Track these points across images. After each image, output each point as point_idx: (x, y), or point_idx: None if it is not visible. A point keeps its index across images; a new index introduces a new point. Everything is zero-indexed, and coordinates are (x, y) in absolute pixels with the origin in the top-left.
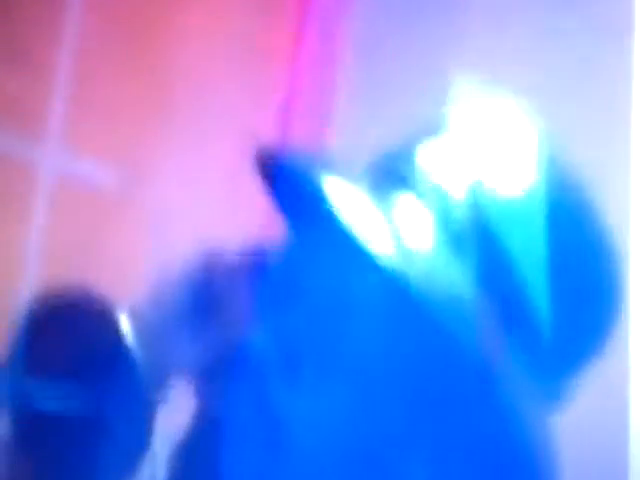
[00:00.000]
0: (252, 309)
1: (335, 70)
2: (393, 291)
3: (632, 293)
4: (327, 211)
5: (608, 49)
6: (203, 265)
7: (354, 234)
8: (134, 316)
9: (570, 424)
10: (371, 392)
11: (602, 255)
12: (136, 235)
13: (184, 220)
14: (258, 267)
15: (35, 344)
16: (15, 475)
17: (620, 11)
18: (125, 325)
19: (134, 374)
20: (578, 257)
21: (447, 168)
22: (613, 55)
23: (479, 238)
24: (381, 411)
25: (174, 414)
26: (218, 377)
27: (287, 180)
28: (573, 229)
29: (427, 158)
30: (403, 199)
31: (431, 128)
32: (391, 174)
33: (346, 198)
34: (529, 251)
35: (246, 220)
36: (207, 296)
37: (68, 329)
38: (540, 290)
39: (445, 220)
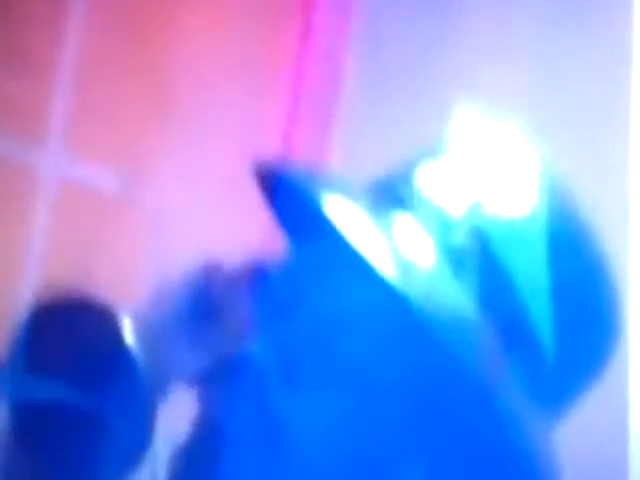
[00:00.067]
0: (252, 319)
1: (337, 88)
2: (392, 304)
3: (631, 315)
4: (327, 226)
5: (609, 78)
6: (204, 274)
7: (354, 249)
8: (135, 318)
9: (570, 426)
10: (369, 404)
11: (601, 280)
12: (137, 236)
13: (185, 221)
14: (258, 277)
15: (35, 345)
16: (15, 474)
17: (621, 34)
18: (126, 326)
19: (135, 374)
20: (577, 281)
21: (447, 190)
22: (612, 85)
23: (479, 260)
24: (379, 423)
25: (175, 415)
26: (218, 383)
27: (287, 195)
28: (572, 254)
29: (428, 179)
30: (403, 219)
31: (433, 150)
32: (392, 194)
33: (347, 215)
34: (529, 273)
35: (246, 220)
36: (207, 304)
37: (68, 330)
38: (540, 312)
39: (445, 240)
